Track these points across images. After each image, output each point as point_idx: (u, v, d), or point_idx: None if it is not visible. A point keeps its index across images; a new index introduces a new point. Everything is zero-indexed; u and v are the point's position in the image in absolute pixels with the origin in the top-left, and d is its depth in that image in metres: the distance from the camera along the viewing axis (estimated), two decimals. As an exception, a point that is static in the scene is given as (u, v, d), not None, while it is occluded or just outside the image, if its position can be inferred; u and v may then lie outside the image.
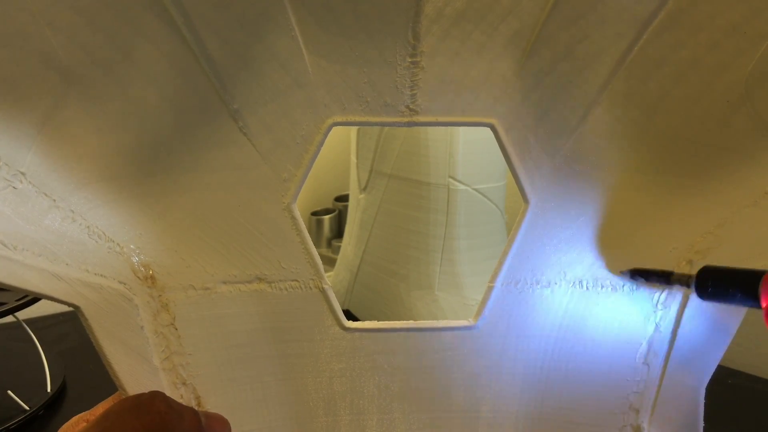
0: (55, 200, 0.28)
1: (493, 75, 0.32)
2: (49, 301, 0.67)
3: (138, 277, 0.31)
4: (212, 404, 0.35)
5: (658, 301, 0.35)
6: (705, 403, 0.32)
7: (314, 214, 1.10)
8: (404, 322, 0.37)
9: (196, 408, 0.31)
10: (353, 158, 0.74)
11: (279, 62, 0.31)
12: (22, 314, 0.60)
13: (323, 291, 0.36)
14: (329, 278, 0.36)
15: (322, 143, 0.33)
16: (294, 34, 0.31)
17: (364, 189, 0.71)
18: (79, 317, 0.26)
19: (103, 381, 0.67)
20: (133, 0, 0.27)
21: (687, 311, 0.33)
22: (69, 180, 0.29)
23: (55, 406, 0.60)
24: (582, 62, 0.31)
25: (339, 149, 1.06)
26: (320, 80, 0.32)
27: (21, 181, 0.27)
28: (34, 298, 0.59)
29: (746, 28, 0.28)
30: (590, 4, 0.29)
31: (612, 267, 0.36)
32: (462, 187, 0.62)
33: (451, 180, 0.62)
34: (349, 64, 0.32)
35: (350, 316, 0.71)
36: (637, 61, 0.30)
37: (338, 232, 1.11)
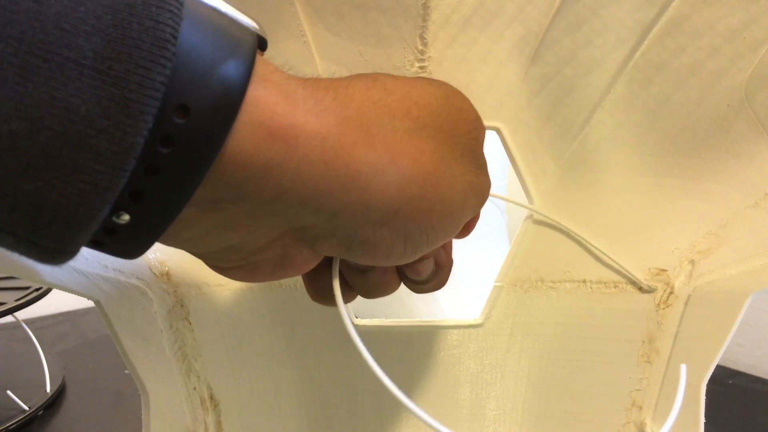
0: (72, 198, 0.28)
1: (498, 80, 0.33)
2: (48, 302, 0.67)
3: (154, 273, 0.31)
4: (225, 397, 0.35)
5: (660, 300, 0.35)
6: (706, 403, 0.32)
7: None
8: (411, 320, 0.37)
9: (209, 401, 0.31)
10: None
11: (290, 66, 0.32)
12: (22, 314, 0.60)
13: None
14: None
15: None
16: (306, 39, 0.31)
17: (365, 191, 0.71)
18: (98, 310, 0.26)
19: (103, 381, 0.67)
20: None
21: (688, 309, 0.34)
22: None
23: (55, 406, 0.60)
24: (585, 67, 0.31)
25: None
26: (331, 84, 0.33)
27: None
28: (33, 298, 0.59)
29: (746, 33, 0.28)
30: (593, 10, 0.30)
31: (615, 267, 0.36)
32: (463, 188, 0.62)
33: (452, 182, 0.62)
34: (359, 69, 0.32)
35: (350, 317, 0.71)
36: (639, 65, 0.31)
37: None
